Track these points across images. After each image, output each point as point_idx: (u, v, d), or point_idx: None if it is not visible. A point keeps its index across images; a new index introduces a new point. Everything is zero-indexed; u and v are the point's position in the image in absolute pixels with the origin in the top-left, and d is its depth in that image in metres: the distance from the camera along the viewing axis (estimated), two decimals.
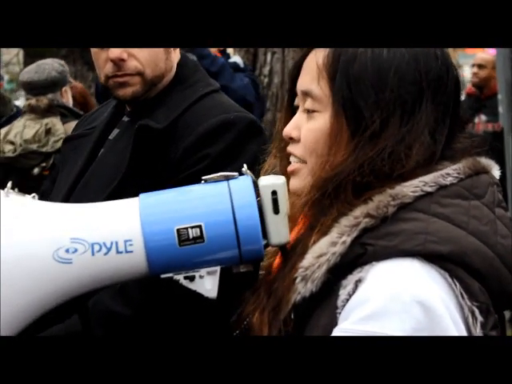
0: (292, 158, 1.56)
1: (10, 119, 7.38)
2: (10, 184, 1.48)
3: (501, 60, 6.25)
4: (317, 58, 1.50)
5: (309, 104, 1.51)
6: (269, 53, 5.36)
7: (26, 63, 16.29)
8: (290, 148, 1.55)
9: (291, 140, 1.55)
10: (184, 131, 2.16)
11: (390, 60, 1.45)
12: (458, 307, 1.37)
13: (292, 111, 1.59)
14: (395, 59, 1.46)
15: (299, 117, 1.54)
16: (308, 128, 1.51)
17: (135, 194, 2.08)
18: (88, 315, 1.92)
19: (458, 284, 1.37)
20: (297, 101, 1.58)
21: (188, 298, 1.55)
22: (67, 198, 2.29)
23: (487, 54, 8.55)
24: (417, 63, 1.46)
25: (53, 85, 4.89)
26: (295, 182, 1.53)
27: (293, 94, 1.59)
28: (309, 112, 1.51)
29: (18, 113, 7.68)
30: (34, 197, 1.52)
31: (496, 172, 1.53)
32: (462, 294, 1.37)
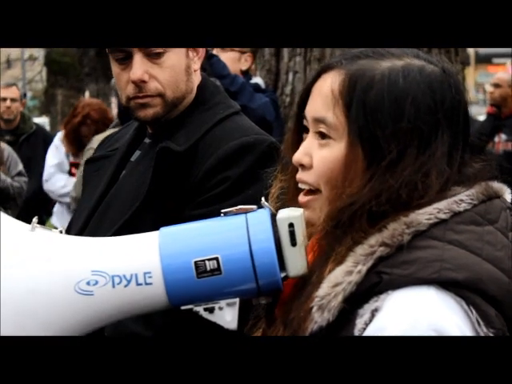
0: (302, 185, 1.55)
1: (29, 137, 7.47)
2: (35, 219, 1.50)
3: None
4: (332, 84, 1.49)
5: (324, 129, 1.50)
6: (290, 73, 5.37)
7: (49, 80, 16.47)
8: (301, 175, 1.54)
9: (301, 167, 1.54)
10: (204, 154, 2.17)
11: (406, 89, 1.45)
12: (474, 334, 1.36)
13: (299, 136, 1.59)
14: (411, 89, 1.45)
15: (310, 143, 1.53)
16: (322, 156, 1.50)
17: (156, 217, 2.10)
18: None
19: (474, 311, 1.37)
20: (305, 123, 1.57)
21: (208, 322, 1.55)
22: (89, 220, 2.31)
23: (506, 73, 8.55)
24: (432, 93, 1.46)
25: None
26: (310, 214, 1.53)
27: (300, 118, 1.58)
28: (322, 138, 1.50)
29: (38, 130, 7.78)
30: (60, 231, 1.54)
31: (508, 196, 1.53)
32: (478, 320, 1.36)
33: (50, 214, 7.15)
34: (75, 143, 6.49)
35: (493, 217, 1.45)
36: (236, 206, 1.53)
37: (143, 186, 2.18)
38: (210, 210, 2.06)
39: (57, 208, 6.98)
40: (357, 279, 1.38)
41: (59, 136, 6.80)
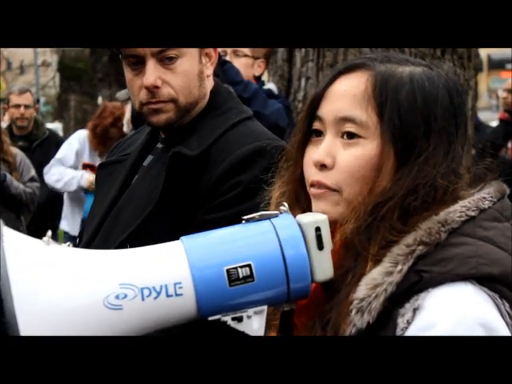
0: (318, 188, 1.53)
1: (42, 142, 7.50)
2: (49, 233, 1.47)
3: None
4: (361, 84, 1.51)
5: (352, 129, 1.50)
6: (303, 78, 5.36)
7: (63, 86, 16.53)
8: (319, 177, 1.53)
9: (321, 168, 1.53)
10: (217, 158, 2.17)
11: (432, 92, 1.51)
12: (506, 326, 1.40)
13: (307, 139, 1.59)
14: (436, 91, 1.52)
15: (331, 143, 1.53)
16: (353, 155, 1.50)
17: (168, 221, 2.10)
18: None
19: (506, 304, 1.40)
20: (317, 126, 1.57)
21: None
22: (101, 224, 2.31)
23: None
24: (450, 96, 1.53)
25: None
26: (321, 206, 1.53)
27: (311, 120, 1.58)
28: (350, 137, 1.51)
29: (51, 136, 7.82)
30: (68, 245, 1.51)
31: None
32: (508, 313, 1.41)
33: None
34: (103, 144, 6.58)
35: (508, 214, 1.51)
36: (249, 210, 1.52)
37: (156, 191, 2.18)
38: (223, 215, 2.06)
39: (65, 212, 7.00)
40: (397, 279, 1.40)
41: (78, 134, 6.85)
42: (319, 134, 1.56)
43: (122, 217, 2.26)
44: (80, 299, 1.40)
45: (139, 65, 2.21)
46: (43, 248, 1.44)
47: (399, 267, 1.40)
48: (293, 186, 1.62)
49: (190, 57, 2.23)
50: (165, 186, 2.17)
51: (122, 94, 6.37)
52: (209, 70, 2.31)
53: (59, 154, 6.77)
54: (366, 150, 1.49)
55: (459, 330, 1.35)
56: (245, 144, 2.19)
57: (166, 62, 2.20)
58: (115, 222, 2.27)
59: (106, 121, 6.61)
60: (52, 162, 6.75)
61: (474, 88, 5.68)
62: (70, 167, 6.71)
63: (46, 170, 6.73)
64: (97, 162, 6.18)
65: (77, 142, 6.74)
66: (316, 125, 1.56)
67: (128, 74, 2.26)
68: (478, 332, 1.35)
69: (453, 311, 1.37)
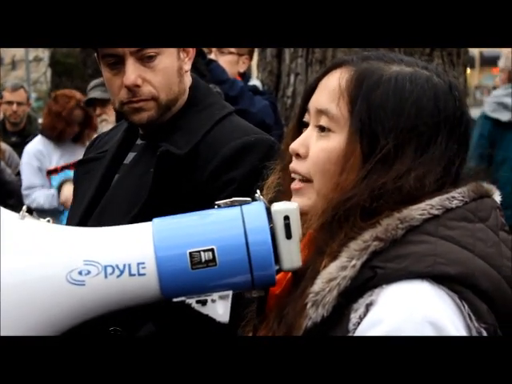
0: (294, 175, 1.58)
1: (35, 138, 7.44)
2: (25, 207, 1.49)
3: None
4: (340, 79, 1.53)
5: (324, 122, 1.53)
6: (292, 74, 5.36)
7: (54, 82, 16.46)
8: (294, 165, 1.57)
9: (297, 156, 1.57)
10: (206, 156, 2.17)
11: (411, 91, 1.50)
12: (465, 328, 1.39)
13: (300, 128, 1.62)
14: (416, 91, 1.50)
15: (308, 134, 1.57)
16: (320, 147, 1.53)
17: None
18: None
19: (466, 305, 1.39)
20: (306, 118, 1.60)
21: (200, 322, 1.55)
22: (83, 224, 2.28)
23: None
24: (436, 100, 1.51)
25: None
26: (299, 201, 1.54)
27: (303, 111, 1.61)
28: (322, 130, 1.53)
29: None
30: (48, 221, 1.53)
31: (497, 197, 1.56)
32: (469, 315, 1.39)
33: None
34: (68, 129, 6.35)
35: (484, 215, 1.48)
36: None
37: (143, 191, 2.17)
38: None
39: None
40: (351, 274, 1.40)
41: (28, 150, 6.13)
42: (307, 125, 1.60)
43: (107, 217, 2.23)
44: (43, 272, 1.42)
45: (118, 64, 2.20)
46: (15, 221, 1.46)
47: (353, 262, 1.40)
48: (283, 174, 1.65)
49: (168, 53, 2.22)
50: (153, 185, 2.15)
51: None
52: (187, 66, 2.30)
53: (24, 183, 6.01)
54: (332, 143, 1.51)
55: (407, 326, 1.34)
56: (233, 139, 2.19)
57: (145, 60, 2.19)
58: (99, 222, 2.23)
59: (70, 104, 6.04)
60: (23, 192, 6.00)
61: (464, 85, 5.67)
62: (39, 187, 5.98)
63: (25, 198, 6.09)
64: (66, 155, 5.98)
65: (34, 159, 6.01)
66: (306, 116, 1.60)
67: (106, 73, 2.25)
68: (427, 330, 1.34)
69: (402, 307, 1.36)
